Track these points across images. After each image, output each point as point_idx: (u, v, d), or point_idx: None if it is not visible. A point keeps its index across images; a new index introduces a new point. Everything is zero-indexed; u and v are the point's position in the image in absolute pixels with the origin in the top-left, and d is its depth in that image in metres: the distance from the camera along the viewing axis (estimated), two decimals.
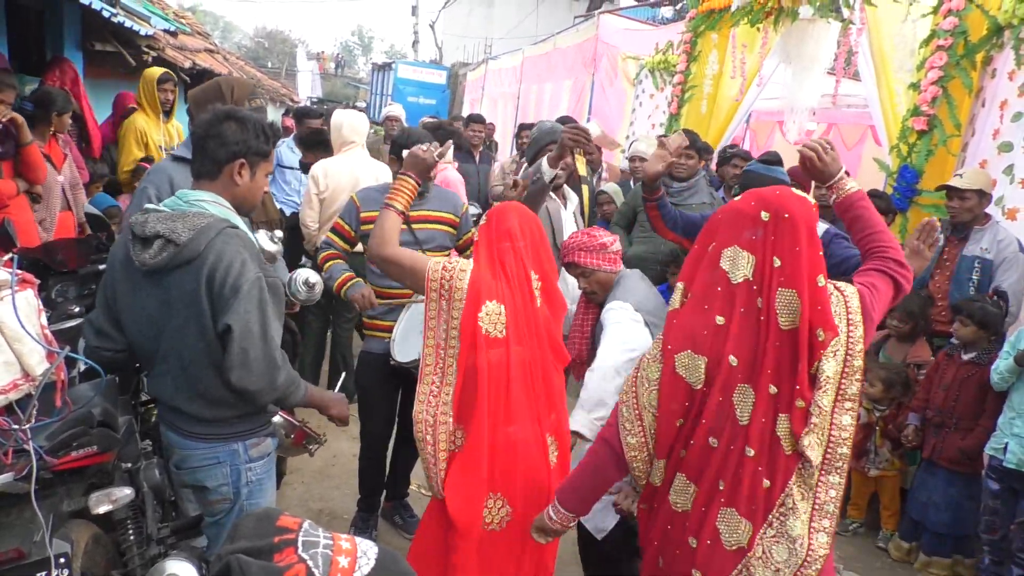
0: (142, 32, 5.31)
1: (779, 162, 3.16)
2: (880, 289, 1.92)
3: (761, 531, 1.76)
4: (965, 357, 3.70)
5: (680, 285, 1.90)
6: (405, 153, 2.83)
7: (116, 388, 2.64)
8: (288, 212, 6.54)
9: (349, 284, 3.34)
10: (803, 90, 6.06)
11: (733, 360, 1.76)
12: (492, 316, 2.24)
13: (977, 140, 4.51)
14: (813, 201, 1.82)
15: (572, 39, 12.38)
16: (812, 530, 1.77)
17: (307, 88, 27.68)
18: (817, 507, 1.79)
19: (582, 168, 5.78)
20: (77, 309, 3.10)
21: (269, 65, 39.25)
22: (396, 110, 7.85)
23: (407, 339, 3.24)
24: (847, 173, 2.15)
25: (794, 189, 1.86)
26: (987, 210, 4.05)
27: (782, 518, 1.76)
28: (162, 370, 2.22)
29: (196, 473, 2.26)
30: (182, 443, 2.26)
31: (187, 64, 6.96)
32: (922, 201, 4.75)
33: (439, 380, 2.31)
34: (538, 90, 13.64)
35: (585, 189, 5.65)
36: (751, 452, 1.76)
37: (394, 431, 3.63)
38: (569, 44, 12.37)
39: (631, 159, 5.61)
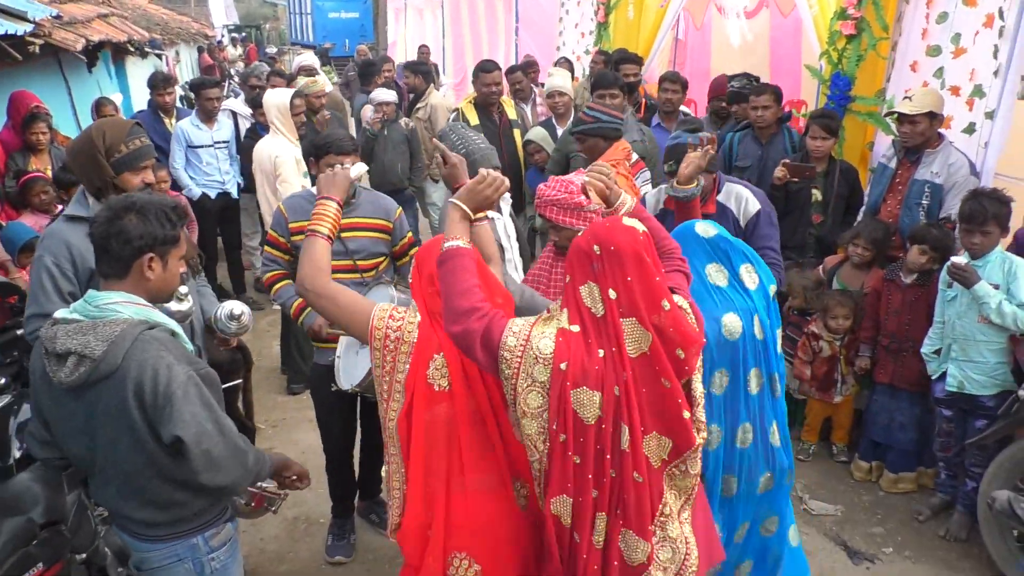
0: (19, 32, 4.88)
1: (701, 126, 3.09)
2: (685, 288, 2.11)
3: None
4: (907, 280, 3.73)
5: (565, 312, 1.93)
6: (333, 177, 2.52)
7: (58, 467, 2.55)
8: (214, 195, 6.29)
9: (306, 313, 3.28)
10: None
11: (617, 391, 1.84)
12: (440, 369, 2.11)
13: (906, 40, 4.39)
14: (642, 229, 1.90)
15: None
16: (681, 522, 1.98)
17: (221, 15, 26.08)
18: (685, 503, 2.00)
19: (511, 112, 5.57)
20: (2, 381, 2.97)
21: None
22: (309, 59, 7.43)
23: (348, 359, 3.17)
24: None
25: (625, 220, 1.92)
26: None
27: (663, 525, 1.93)
28: (103, 480, 2.15)
29: (158, 573, 2.20)
30: (138, 545, 2.20)
31: (79, 46, 6.46)
32: (857, 108, 4.66)
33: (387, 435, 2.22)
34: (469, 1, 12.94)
35: (517, 134, 5.47)
36: (640, 477, 1.87)
37: (358, 435, 3.62)
38: None
39: (549, 95, 5.37)
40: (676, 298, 1.97)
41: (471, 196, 2.16)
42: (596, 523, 1.92)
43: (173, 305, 2.85)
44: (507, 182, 2.23)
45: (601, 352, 1.85)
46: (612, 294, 1.84)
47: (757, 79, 5.61)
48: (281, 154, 5.14)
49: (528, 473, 2.13)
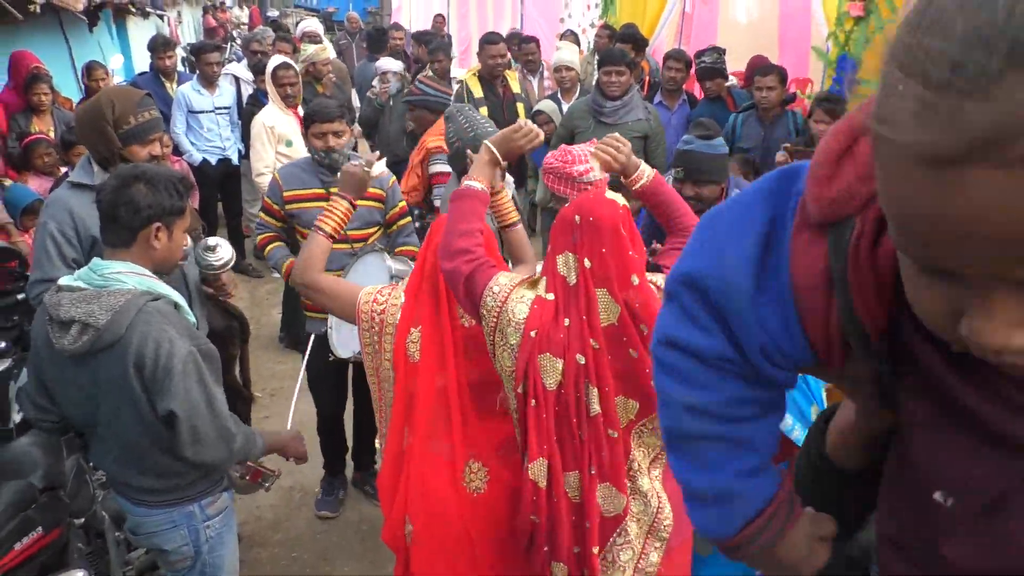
0: None
1: (716, 131, 3.02)
2: None
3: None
4: None
5: (544, 279, 1.98)
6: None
7: (57, 432, 2.58)
8: (214, 160, 6.26)
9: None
10: None
11: (580, 359, 1.88)
12: (415, 343, 2.16)
13: None
14: (623, 203, 1.92)
15: None
16: (652, 478, 2.02)
17: None
18: (655, 460, 2.05)
19: (515, 86, 5.54)
20: (3, 345, 2.99)
21: None
22: (313, 24, 7.35)
23: (344, 329, 3.18)
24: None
25: (609, 193, 1.95)
26: None
27: (633, 479, 2.00)
28: (104, 448, 2.19)
29: (153, 538, 2.25)
30: (135, 510, 2.24)
31: (80, 5, 6.40)
32: (862, 92, 4.64)
33: (385, 412, 2.27)
34: None
35: (520, 108, 5.44)
36: (615, 434, 1.91)
37: (350, 403, 3.69)
38: None
39: (556, 69, 5.34)
40: (658, 277, 2.01)
41: (504, 142, 2.19)
42: (568, 479, 1.98)
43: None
44: (542, 135, 2.26)
45: (567, 321, 1.90)
46: (587, 263, 1.88)
47: (724, 51, 5.53)
48: (256, 122, 5.09)
49: (491, 454, 2.18)
